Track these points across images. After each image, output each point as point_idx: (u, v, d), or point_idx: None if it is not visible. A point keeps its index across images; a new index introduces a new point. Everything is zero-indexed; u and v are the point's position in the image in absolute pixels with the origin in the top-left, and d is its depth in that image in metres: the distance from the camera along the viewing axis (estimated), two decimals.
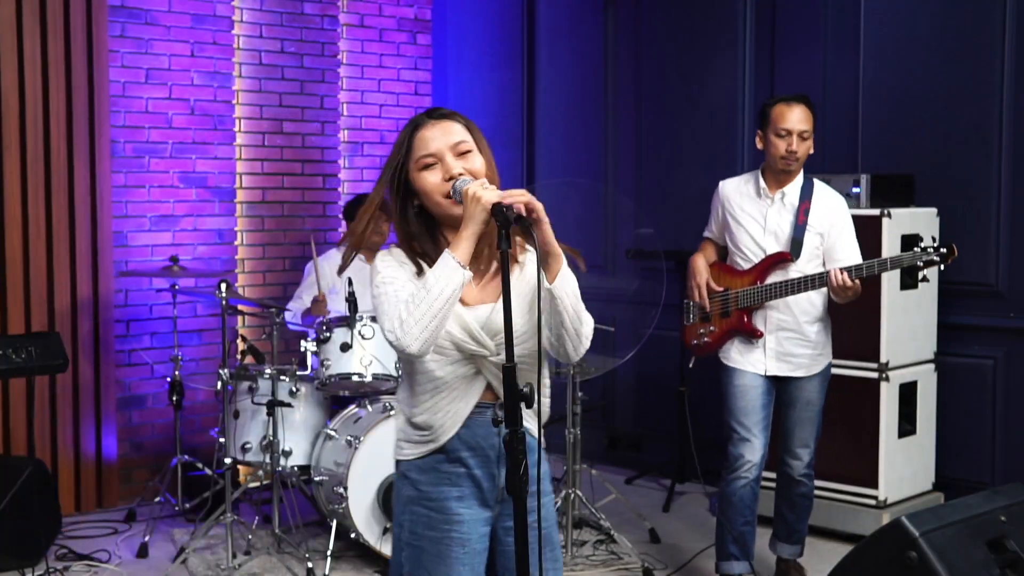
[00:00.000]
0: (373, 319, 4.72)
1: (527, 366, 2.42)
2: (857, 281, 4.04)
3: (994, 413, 5.14)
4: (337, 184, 6.66)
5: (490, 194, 2.28)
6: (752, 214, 4.28)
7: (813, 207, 4.21)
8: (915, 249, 4.07)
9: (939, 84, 5.23)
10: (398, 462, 2.50)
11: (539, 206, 2.28)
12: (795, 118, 4.17)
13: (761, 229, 4.26)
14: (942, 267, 4.06)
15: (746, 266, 4.28)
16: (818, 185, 4.28)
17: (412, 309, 2.27)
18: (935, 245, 4.02)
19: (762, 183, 4.27)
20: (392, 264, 2.42)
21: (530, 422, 2.41)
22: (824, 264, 4.20)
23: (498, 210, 2.25)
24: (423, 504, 2.43)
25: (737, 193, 4.34)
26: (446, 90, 7.07)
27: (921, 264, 4.03)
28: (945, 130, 5.22)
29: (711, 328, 4.37)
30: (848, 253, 4.20)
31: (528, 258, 2.47)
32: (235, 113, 6.26)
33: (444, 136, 2.41)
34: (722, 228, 4.40)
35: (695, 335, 4.44)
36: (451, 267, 2.28)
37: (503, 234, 2.25)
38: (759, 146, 4.29)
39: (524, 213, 2.26)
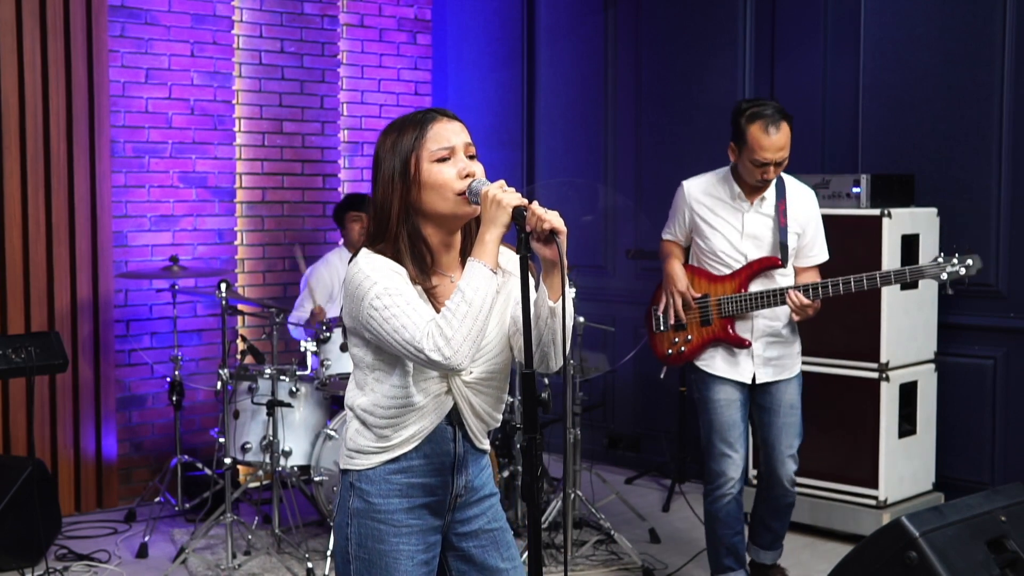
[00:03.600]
0: None
1: (488, 386, 2.42)
2: (818, 301, 3.89)
3: (994, 413, 5.14)
4: (337, 184, 6.66)
5: (511, 197, 2.24)
6: (727, 219, 4.06)
7: (789, 206, 4.05)
8: (937, 259, 3.83)
9: (939, 84, 5.23)
10: (346, 471, 2.42)
11: (561, 223, 2.24)
12: (774, 147, 3.87)
13: (739, 234, 4.04)
14: (966, 281, 3.83)
15: (725, 271, 4.07)
16: (788, 180, 4.10)
17: (456, 324, 2.20)
18: (956, 254, 3.80)
19: (737, 189, 4.04)
20: (387, 272, 2.30)
21: (484, 441, 2.47)
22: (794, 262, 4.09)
23: (519, 214, 2.22)
24: (372, 517, 2.37)
25: (707, 196, 4.08)
26: (446, 90, 7.07)
27: (946, 277, 3.80)
28: (945, 130, 5.22)
29: (688, 337, 4.13)
30: (819, 251, 4.13)
31: (506, 275, 2.42)
32: (235, 113, 6.26)
33: (462, 134, 2.37)
34: (688, 231, 4.16)
35: (668, 344, 4.18)
36: (486, 275, 2.23)
37: (523, 239, 2.22)
38: (732, 158, 4.02)
39: (548, 228, 2.23)
